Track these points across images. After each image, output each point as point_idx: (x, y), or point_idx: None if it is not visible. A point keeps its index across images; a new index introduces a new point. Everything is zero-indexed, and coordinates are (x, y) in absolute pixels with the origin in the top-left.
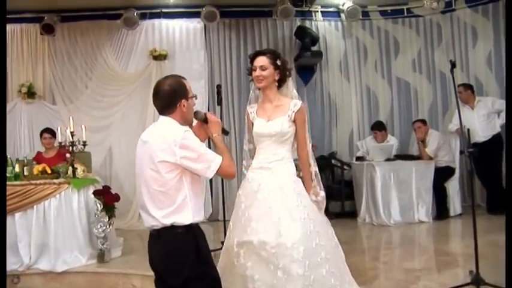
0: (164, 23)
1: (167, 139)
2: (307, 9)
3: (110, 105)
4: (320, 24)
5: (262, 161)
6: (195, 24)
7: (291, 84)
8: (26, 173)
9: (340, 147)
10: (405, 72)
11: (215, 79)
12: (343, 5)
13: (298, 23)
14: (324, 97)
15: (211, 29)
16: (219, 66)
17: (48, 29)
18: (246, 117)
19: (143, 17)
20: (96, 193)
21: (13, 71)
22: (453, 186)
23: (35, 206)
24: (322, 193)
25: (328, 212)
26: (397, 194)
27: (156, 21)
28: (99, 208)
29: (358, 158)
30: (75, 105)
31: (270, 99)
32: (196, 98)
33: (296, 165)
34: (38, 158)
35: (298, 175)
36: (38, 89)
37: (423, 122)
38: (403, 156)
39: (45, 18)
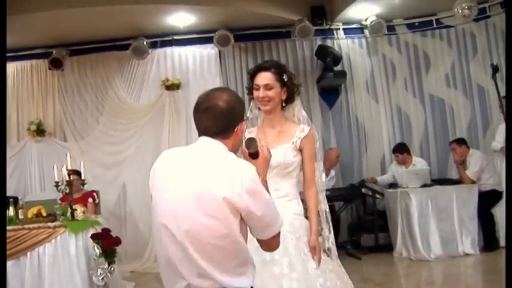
0: (176, 50)
1: (232, 172)
2: (327, 27)
3: (123, 140)
4: (343, 43)
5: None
6: (208, 50)
7: (299, 104)
8: (21, 217)
9: (372, 174)
10: (438, 88)
11: None
12: (366, 20)
13: (319, 43)
14: (351, 120)
15: (227, 54)
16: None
17: (56, 64)
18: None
19: (154, 45)
20: (94, 237)
21: (24, 108)
22: (501, 212)
23: (28, 253)
24: (332, 237)
25: (360, 246)
26: (436, 224)
27: (168, 50)
28: (98, 253)
29: (391, 185)
30: (86, 141)
31: (273, 123)
32: (247, 119)
33: (302, 200)
34: (65, 200)
35: (306, 215)
36: (49, 126)
37: (460, 142)
38: (441, 180)
39: (54, 52)
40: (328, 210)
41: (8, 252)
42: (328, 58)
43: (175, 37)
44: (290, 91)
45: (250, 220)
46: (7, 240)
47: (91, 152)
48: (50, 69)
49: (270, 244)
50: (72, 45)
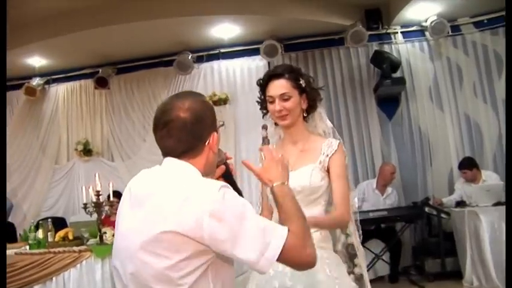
0: (223, 64)
1: (188, 197)
2: (384, 31)
3: None
4: (401, 47)
5: None
6: (256, 62)
7: (322, 112)
8: (50, 239)
9: (438, 191)
10: None
11: None
12: (426, 21)
13: (375, 48)
14: (414, 132)
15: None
16: None
17: (102, 83)
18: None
19: (199, 60)
20: None
21: (73, 129)
22: None
23: (54, 278)
24: (366, 274)
25: (425, 273)
26: None
27: (215, 63)
28: None
29: (458, 204)
30: (133, 160)
31: (294, 139)
32: (223, 126)
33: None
34: (105, 222)
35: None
36: (96, 145)
37: None
38: None
39: (100, 71)
40: (357, 243)
41: (34, 277)
42: (385, 64)
43: (222, 50)
44: (311, 97)
45: (233, 247)
46: (34, 264)
47: (138, 171)
48: (96, 88)
49: (297, 262)
50: (118, 63)
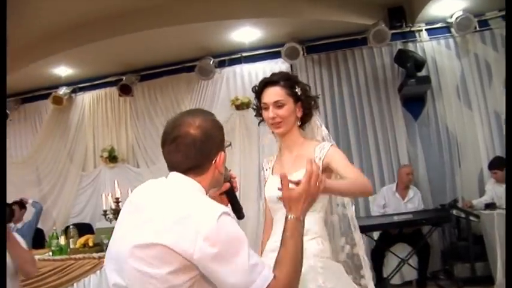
0: (245, 68)
1: (186, 214)
2: (407, 29)
3: None
4: (426, 45)
5: (279, 241)
6: (279, 65)
7: (318, 120)
8: (71, 246)
9: (467, 193)
10: None
11: None
12: (451, 17)
13: (399, 47)
14: (441, 132)
15: (299, 68)
16: None
17: (126, 90)
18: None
19: (222, 64)
20: None
21: (99, 136)
22: None
23: (74, 284)
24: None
25: (454, 278)
26: None
27: (237, 68)
28: None
29: (488, 206)
30: (157, 166)
31: (289, 147)
32: (230, 146)
33: None
34: None
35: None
36: (121, 152)
37: None
38: None
39: (124, 79)
40: (362, 253)
41: (55, 283)
42: (409, 63)
43: (244, 54)
44: (306, 106)
45: (223, 272)
46: (55, 270)
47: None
48: (120, 95)
49: None
50: (141, 70)
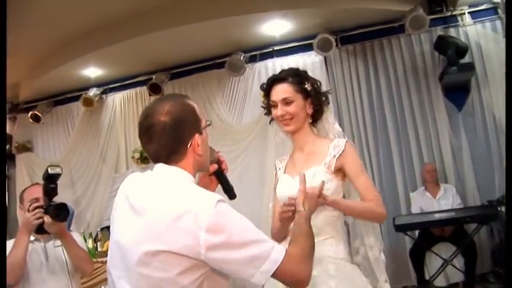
0: (277, 62)
1: (183, 210)
2: (449, 13)
3: (226, 163)
4: (470, 29)
5: None
6: (312, 58)
7: (330, 116)
8: (99, 249)
9: None
10: None
11: (343, 119)
12: None
13: (440, 33)
14: (488, 122)
15: (333, 60)
16: (347, 102)
17: (156, 89)
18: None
19: (253, 59)
20: None
21: (131, 137)
22: None
23: (102, 287)
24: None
25: (504, 279)
26: None
27: (269, 62)
28: None
29: None
30: None
31: (301, 145)
32: (210, 125)
33: None
34: None
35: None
36: None
37: None
38: None
39: (153, 78)
40: (383, 258)
41: (84, 286)
42: (450, 50)
43: (275, 48)
44: (316, 102)
45: (230, 262)
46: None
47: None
48: (150, 95)
49: (293, 280)
50: (171, 68)
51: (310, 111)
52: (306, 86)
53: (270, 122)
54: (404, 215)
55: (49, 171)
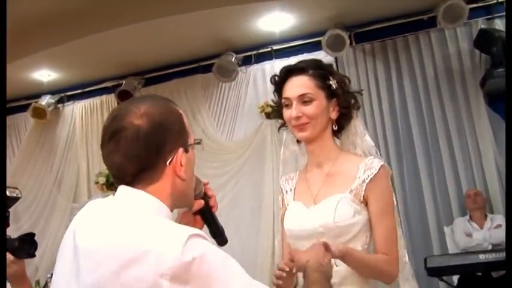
0: (277, 64)
1: (140, 251)
2: (494, 1)
3: (214, 190)
4: None
5: None
6: (321, 58)
7: (359, 125)
8: None
9: None
10: None
11: None
12: None
13: (482, 26)
14: None
15: (345, 61)
16: (363, 113)
17: (126, 97)
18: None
19: (247, 61)
20: None
21: (94, 157)
22: None
23: None
24: None
25: None
26: None
27: (267, 65)
28: None
29: None
30: None
31: (319, 160)
32: (199, 144)
33: None
34: None
35: None
36: None
37: None
38: None
39: (123, 83)
40: None
41: None
42: (495, 47)
43: (274, 47)
44: (343, 104)
45: None
46: None
47: None
48: (118, 104)
49: None
50: (146, 72)
51: (334, 115)
52: (331, 83)
53: (279, 129)
54: (439, 255)
55: (7, 194)
